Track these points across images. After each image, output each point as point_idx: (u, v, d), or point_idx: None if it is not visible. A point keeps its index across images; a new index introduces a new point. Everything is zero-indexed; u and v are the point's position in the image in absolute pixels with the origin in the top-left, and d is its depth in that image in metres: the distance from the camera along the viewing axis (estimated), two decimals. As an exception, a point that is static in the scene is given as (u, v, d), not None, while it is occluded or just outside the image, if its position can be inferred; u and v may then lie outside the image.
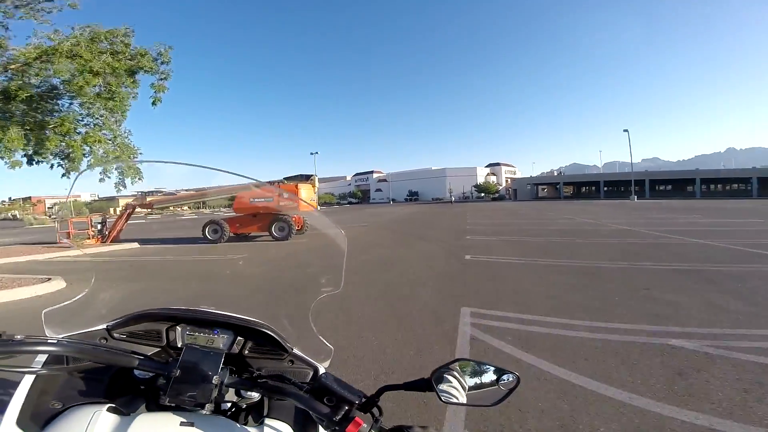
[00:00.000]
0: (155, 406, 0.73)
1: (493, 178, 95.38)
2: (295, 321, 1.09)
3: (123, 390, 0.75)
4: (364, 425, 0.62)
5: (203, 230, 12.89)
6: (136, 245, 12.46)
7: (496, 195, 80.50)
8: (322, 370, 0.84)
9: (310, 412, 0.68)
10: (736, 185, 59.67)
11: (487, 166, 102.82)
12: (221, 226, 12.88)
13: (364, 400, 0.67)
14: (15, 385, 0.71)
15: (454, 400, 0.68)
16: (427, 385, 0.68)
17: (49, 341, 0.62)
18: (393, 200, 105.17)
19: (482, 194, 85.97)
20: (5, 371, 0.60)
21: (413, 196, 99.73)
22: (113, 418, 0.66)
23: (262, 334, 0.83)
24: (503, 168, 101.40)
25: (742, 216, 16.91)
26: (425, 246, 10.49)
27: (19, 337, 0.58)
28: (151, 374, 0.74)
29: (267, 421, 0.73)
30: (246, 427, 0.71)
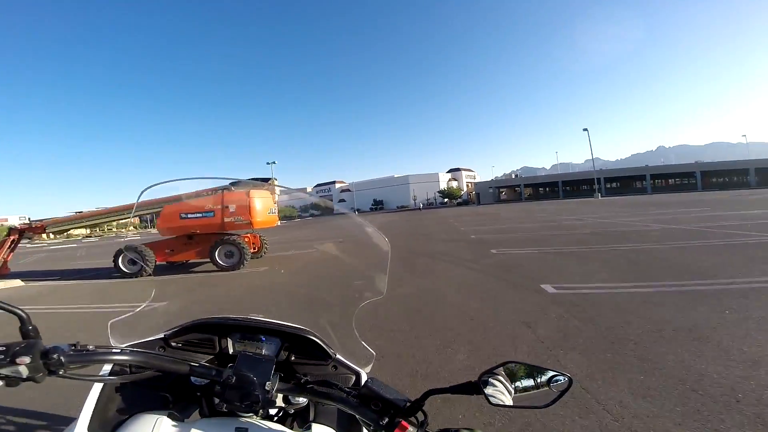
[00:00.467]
0: (209, 412, 0.76)
1: (454, 183, 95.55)
2: (338, 328, 1.06)
3: (180, 396, 0.79)
4: (410, 429, 0.64)
5: (115, 260, 9.09)
6: (18, 283, 9.43)
7: (460, 200, 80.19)
8: (364, 375, 0.86)
9: (357, 417, 0.71)
10: (680, 180, 63.58)
11: (448, 172, 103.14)
12: (142, 254, 9.10)
13: (409, 404, 0.68)
14: (85, 392, 0.74)
15: (503, 403, 0.67)
16: (475, 388, 0.67)
17: (117, 351, 0.64)
18: (358, 210, 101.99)
19: (446, 200, 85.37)
20: (80, 379, 0.63)
21: (378, 205, 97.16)
22: (173, 424, 0.69)
23: (307, 340, 0.86)
24: (463, 173, 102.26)
25: (729, 207, 16.25)
26: (451, 270, 7.03)
27: (91, 347, 0.60)
28: (206, 381, 0.76)
29: (314, 426, 0.75)
30: (293, 431, 0.73)
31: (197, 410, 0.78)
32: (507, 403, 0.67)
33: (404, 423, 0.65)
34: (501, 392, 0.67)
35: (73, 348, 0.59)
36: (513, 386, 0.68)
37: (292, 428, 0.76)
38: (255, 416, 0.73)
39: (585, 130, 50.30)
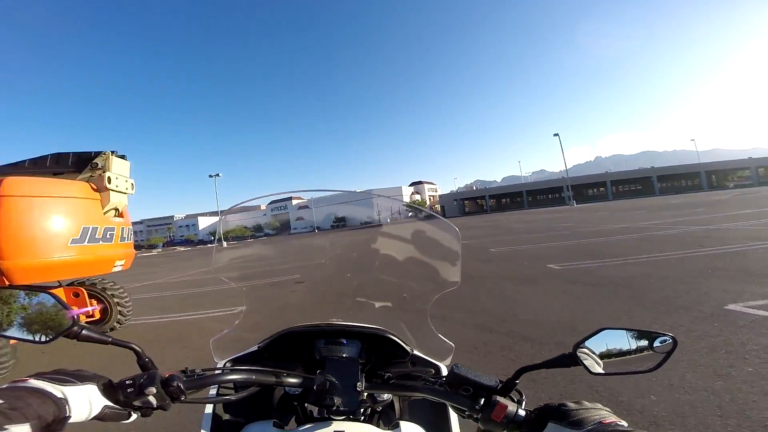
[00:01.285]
0: (303, 419, 0.79)
1: (417, 197, 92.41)
2: (414, 324, 1.08)
3: (278, 405, 0.83)
4: (510, 408, 0.62)
5: None
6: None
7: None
8: (444, 368, 0.87)
9: (449, 404, 0.71)
10: (638, 186, 64.82)
11: (410, 185, 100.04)
12: None
13: (502, 384, 0.67)
14: (201, 409, 0.79)
15: (604, 371, 0.65)
16: (571, 359, 0.65)
17: (227, 371, 0.69)
18: (318, 228, 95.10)
19: (410, 214, 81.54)
20: (199, 402, 0.69)
21: (340, 222, 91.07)
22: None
23: (385, 339, 0.88)
24: (426, 186, 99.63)
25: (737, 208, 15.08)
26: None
27: (199, 370, 0.67)
28: (300, 390, 0.78)
29: (402, 424, 0.77)
30: (383, 430, 0.74)
31: (293, 417, 0.81)
32: (609, 371, 0.65)
33: (502, 402, 0.63)
34: (600, 361, 0.65)
35: (186, 374, 0.65)
36: (612, 353, 0.66)
37: (379, 426, 0.76)
38: (348, 418, 0.73)
39: (556, 135, 50.23)
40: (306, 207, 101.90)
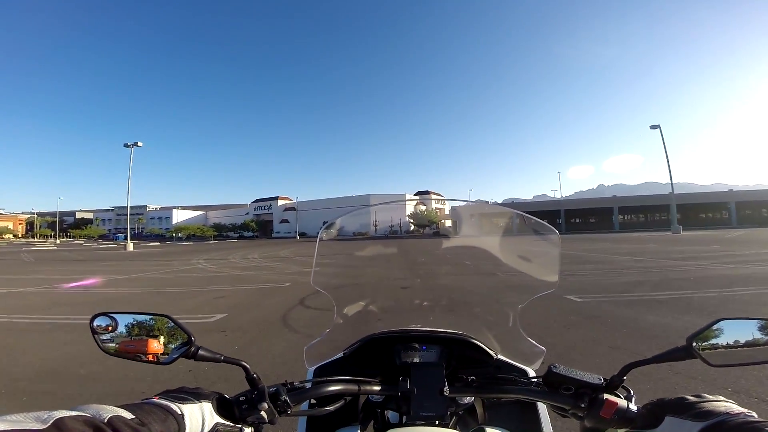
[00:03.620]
0: (383, 425, 0.79)
1: (422, 208, 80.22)
2: (499, 328, 1.04)
3: (363, 412, 0.84)
4: (621, 404, 0.60)
5: None
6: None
7: (437, 229, 64.41)
8: (532, 373, 0.83)
9: (546, 404, 0.70)
10: (708, 213, 55.43)
11: (415, 195, 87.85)
12: None
13: (607, 381, 0.64)
14: (294, 421, 0.80)
15: (727, 362, 0.62)
16: (686, 352, 0.62)
17: (325, 382, 0.70)
18: (303, 234, 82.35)
19: (413, 228, 69.47)
20: (302, 415, 0.74)
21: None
22: None
23: (467, 344, 0.86)
24: (433, 197, 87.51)
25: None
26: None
27: (297, 383, 0.69)
28: (382, 397, 0.78)
29: (487, 430, 0.73)
30: None
31: (371, 423, 0.81)
32: (729, 363, 0.62)
33: (611, 399, 0.60)
34: (719, 352, 0.62)
35: (286, 387, 0.66)
36: (731, 344, 0.62)
37: None
38: (428, 423, 0.71)
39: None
40: (292, 209, 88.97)
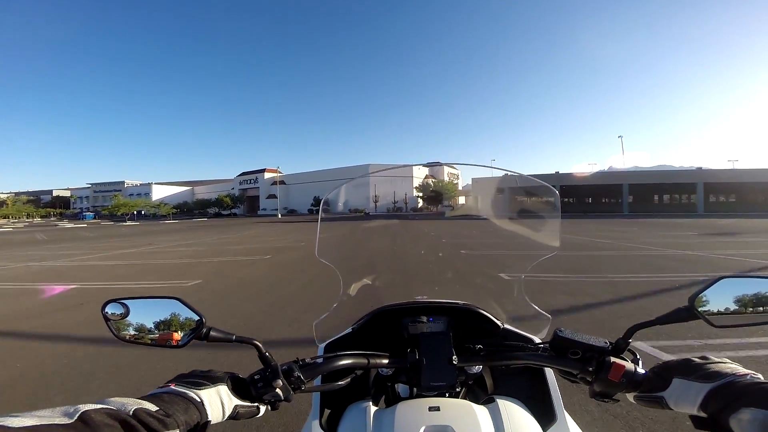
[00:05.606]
0: (393, 398, 0.79)
1: (433, 181, 67.47)
2: (505, 295, 1.05)
3: (374, 387, 0.84)
4: (628, 367, 0.60)
5: None
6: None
7: (449, 206, 51.79)
8: (538, 341, 0.82)
9: (555, 369, 0.71)
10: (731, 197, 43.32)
11: (424, 166, 74.74)
12: None
13: (612, 345, 0.64)
14: (308, 396, 0.79)
15: (729, 323, 0.61)
16: (688, 313, 0.61)
17: (337, 357, 0.70)
18: (293, 211, 70.76)
19: (420, 205, 57.31)
20: (316, 391, 0.72)
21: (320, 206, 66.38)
22: (377, 411, 0.73)
23: (473, 313, 0.87)
24: (446, 170, 74.31)
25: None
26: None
27: (309, 359, 0.68)
28: (392, 370, 0.79)
29: (498, 399, 0.72)
30: (481, 405, 0.70)
31: (383, 398, 0.81)
32: (735, 323, 0.61)
33: (618, 362, 0.60)
34: (722, 312, 0.61)
35: (298, 364, 0.66)
36: (735, 303, 0.61)
37: (472, 401, 0.72)
38: (439, 394, 0.72)
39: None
40: (282, 182, 76.67)
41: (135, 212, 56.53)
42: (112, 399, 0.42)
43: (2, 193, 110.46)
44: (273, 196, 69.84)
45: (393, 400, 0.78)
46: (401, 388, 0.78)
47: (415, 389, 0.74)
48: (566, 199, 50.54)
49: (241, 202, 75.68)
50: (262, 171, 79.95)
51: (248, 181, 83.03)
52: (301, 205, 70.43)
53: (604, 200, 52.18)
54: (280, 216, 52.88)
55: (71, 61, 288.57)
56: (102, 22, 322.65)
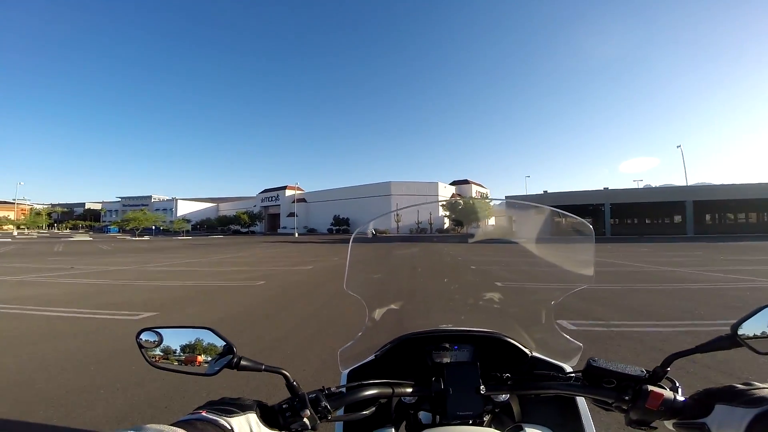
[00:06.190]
0: (416, 426, 0.78)
1: (460, 200, 63.56)
2: (533, 324, 1.01)
3: (395, 413, 0.83)
4: (667, 395, 0.59)
5: None
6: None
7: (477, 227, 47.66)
8: (568, 369, 0.82)
9: (588, 399, 0.70)
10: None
11: (451, 184, 71.12)
12: None
13: (649, 373, 0.63)
14: (331, 424, 0.77)
15: None
16: (731, 341, 0.60)
17: (362, 386, 0.70)
18: (312, 230, 68.40)
19: (447, 225, 53.48)
20: (341, 420, 0.76)
21: (341, 226, 63.63)
22: None
23: (500, 342, 0.85)
24: (473, 187, 70.42)
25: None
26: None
27: (333, 388, 0.68)
28: (415, 398, 0.78)
29: (526, 428, 0.72)
30: None
31: (404, 424, 0.81)
32: None
33: (656, 391, 0.59)
34: (766, 339, 0.60)
35: (324, 393, 0.65)
36: None
37: (501, 430, 0.72)
38: (463, 423, 0.70)
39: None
40: (302, 200, 75.00)
41: (153, 227, 55.49)
42: (148, 426, 0.42)
43: (41, 204, 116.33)
44: (293, 215, 67.83)
45: (415, 427, 0.77)
46: (423, 415, 0.77)
47: (437, 417, 0.73)
48: (615, 220, 45.17)
49: (260, 220, 74.09)
50: (284, 188, 78.66)
51: (270, 198, 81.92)
52: (321, 224, 68.08)
53: (660, 220, 46.49)
54: (296, 235, 50.32)
55: (114, 84, 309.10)
56: (145, 54, 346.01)
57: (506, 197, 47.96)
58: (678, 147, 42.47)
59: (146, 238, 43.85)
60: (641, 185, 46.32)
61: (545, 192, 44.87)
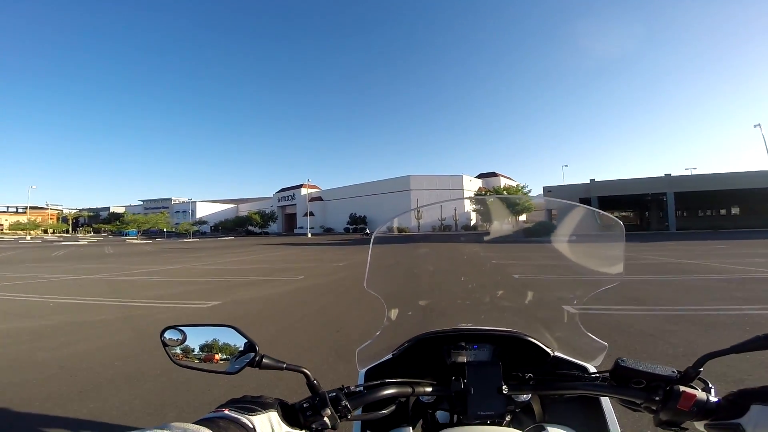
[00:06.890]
0: (433, 425, 0.78)
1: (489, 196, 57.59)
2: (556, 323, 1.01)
3: (412, 412, 0.83)
4: (699, 396, 0.58)
5: None
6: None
7: (529, 225, 42.01)
8: (592, 369, 0.81)
9: (615, 399, 0.68)
10: None
11: (477, 177, 65.33)
12: None
13: (681, 373, 0.62)
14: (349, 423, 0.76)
15: None
16: (766, 342, 0.58)
17: (382, 385, 0.69)
18: (329, 229, 64.64)
19: (485, 222, 48.06)
20: (361, 420, 0.76)
21: (357, 225, 59.38)
22: None
23: (520, 341, 0.83)
24: (502, 180, 64.29)
25: None
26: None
27: (353, 387, 0.69)
28: (434, 397, 0.77)
29: (548, 428, 0.71)
30: None
31: (420, 422, 0.81)
32: None
33: (688, 391, 0.58)
34: None
35: (344, 392, 0.65)
36: None
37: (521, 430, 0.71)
38: (483, 422, 0.70)
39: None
40: (319, 199, 71.38)
41: (157, 229, 53.95)
42: (173, 424, 0.43)
43: (69, 209, 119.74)
44: (310, 214, 64.28)
45: (432, 427, 0.77)
46: (440, 414, 0.78)
47: (455, 416, 0.74)
48: (682, 212, 38.72)
49: (273, 220, 71.01)
50: (300, 187, 75.36)
51: (286, 198, 78.96)
52: (338, 223, 64.15)
53: (749, 211, 38.33)
54: (309, 236, 46.46)
55: (140, 92, 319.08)
56: (170, 69, 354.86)
57: (544, 188, 42.23)
58: (756, 126, 34.84)
59: (146, 240, 41.67)
60: (693, 173, 38.72)
61: (592, 180, 38.51)
